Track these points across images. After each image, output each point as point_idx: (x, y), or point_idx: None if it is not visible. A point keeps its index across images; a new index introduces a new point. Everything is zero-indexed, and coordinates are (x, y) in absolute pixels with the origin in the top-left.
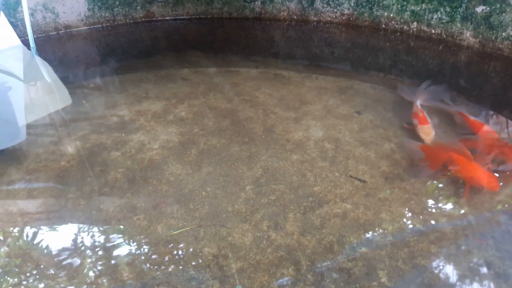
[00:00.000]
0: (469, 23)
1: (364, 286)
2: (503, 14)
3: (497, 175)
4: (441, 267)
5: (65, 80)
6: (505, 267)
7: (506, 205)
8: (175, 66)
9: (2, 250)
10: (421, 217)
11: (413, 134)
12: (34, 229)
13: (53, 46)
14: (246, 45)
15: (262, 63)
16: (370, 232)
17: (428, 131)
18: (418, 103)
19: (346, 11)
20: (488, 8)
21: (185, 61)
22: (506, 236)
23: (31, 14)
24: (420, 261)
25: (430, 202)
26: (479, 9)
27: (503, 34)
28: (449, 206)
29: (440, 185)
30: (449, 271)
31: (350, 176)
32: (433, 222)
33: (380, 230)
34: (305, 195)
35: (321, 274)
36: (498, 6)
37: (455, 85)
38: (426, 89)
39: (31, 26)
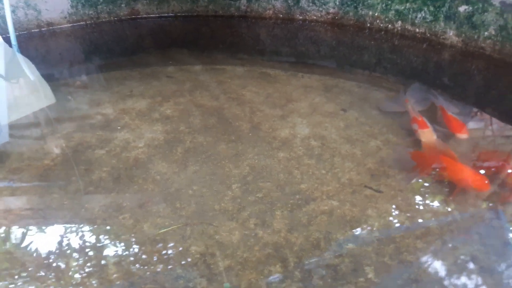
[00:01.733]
0: (452, 22)
1: (351, 282)
2: (485, 13)
3: (484, 174)
4: (427, 262)
5: (48, 78)
6: (490, 262)
7: (491, 203)
8: (161, 63)
9: None
10: (407, 213)
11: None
12: (19, 229)
13: (35, 43)
14: (232, 43)
15: (248, 61)
16: (357, 229)
17: (429, 136)
18: (412, 108)
19: (331, 10)
20: (470, 8)
21: (170, 59)
22: (491, 231)
23: (13, 11)
24: (407, 257)
25: (416, 198)
26: (462, 8)
27: (485, 33)
28: (434, 202)
29: (426, 184)
30: (435, 266)
31: (365, 186)
32: (419, 218)
33: (367, 227)
34: (292, 193)
35: (308, 270)
36: (480, 5)
37: (438, 83)
38: (412, 92)
39: (13, 23)
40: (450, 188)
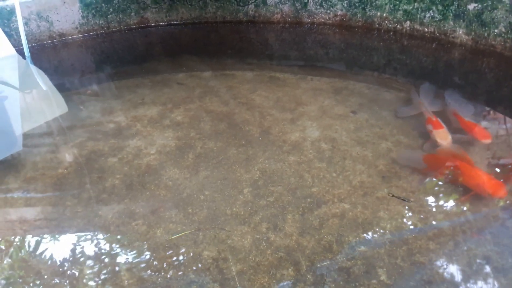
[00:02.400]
0: (461, 20)
1: (364, 284)
2: (495, 11)
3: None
4: (439, 264)
5: (60, 88)
6: (503, 262)
7: (504, 202)
8: (171, 70)
9: (5, 262)
10: (419, 214)
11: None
12: (33, 238)
13: (48, 54)
14: (240, 48)
15: (257, 65)
16: (369, 231)
17: (444, 136)
18: (427, 109)
19: (339, 12)
20: (479, 5)
21: (181, 66)
22: (504, 231)
23: (25, 23)
24: (419, 258)
25: (428, 199)
26: (471, 6)
27: (495, 30)
28: (446, 203)
29: (439, 183)
30: (448, 267)
31: (393, 195)
32: (431, 219)
33: (379, 229)
34: (303, 196)
35: (321, 274)
36: (490, 3)
37: (449, 83)
38: (425, 93)
39: (26, 35)
40: (464, 190)
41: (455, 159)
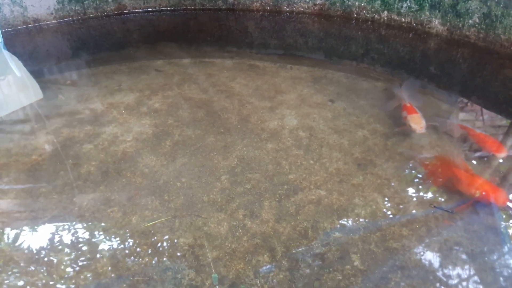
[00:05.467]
0: (437, 11)
1: (338, 270)
2: (469, 1)
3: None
4: (412, 249)
5: (36, 74)
6: (473, 247)
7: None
8: (149, 57)
9: None
10: (393, 201)
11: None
12: (6, 225)
13: (22, 40)
14: (220, 36)
15: (236, 53)
16: (344, 218)
17: (418, 120)
18: (403, 96)
19: (318, 2)
20: None
21: (159, 53)
22: (474, 217)
23: None
24: (392, 244)
25: (402, 186)
26: None
27: (470, 21)
28: (419, 190)
29: (418, 174)
30: (420, 252)
31: (435, 207)
32: (404, 206)
33: (353, 215)
34: (280, 183)
35: (296, 259)
36: None
37: (425, 72)
38: (407, 85)
39: None
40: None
41: (454, 167)
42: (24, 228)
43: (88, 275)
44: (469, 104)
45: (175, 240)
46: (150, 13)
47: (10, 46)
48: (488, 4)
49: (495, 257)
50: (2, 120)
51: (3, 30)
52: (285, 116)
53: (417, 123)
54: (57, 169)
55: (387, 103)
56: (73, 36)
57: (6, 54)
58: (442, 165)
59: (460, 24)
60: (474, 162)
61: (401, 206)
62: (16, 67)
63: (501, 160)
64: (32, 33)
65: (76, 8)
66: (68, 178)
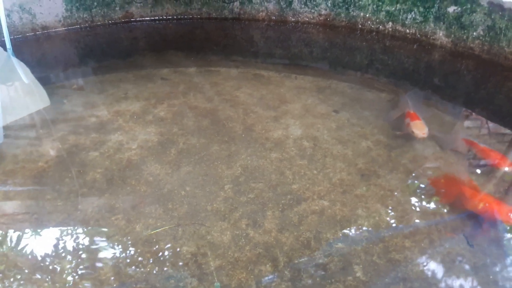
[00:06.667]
0: (441, 23)
1: (340, 280)
2: (474, 14)
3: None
4: (415, 261)
5: (43, 81)
6: (475, 260)
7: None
8: (155, 65)
9: None
10: (396, 212)
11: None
12: (12, 232)
13: (30, 47)
14: (225, 45)
15: (242, 63)
16: (347, 228)
17: (421, 126)
18: (408, 104)
19: (323, 12)
20: (459, 8)
21: (165, 61)
22: (478, 231)
23: (7, 15)
24: (395, 256)
25: (405, 198)
26: (451, 9)
27: (474, 33)
28: (423, 202)
29: (421, 185)
30: (423, 264)
31: (464, 235)
32: (407, 217)
33: (356, 226)
34: (283, 193)
35: (298, 269)
36: (469, 6)
37: (429, 83)
38: (411, 94)
39: (8, 27)
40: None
41: (461, 185)
42: (29, 234)
43: (91, 282)
44: (473, 115)
45: (178, 249)
46: (157, 22)
47: (18, 53)
48: (493, 16)
49: (497, 270)
50: (9, 126)
51: (12, 37)
52: (289, 125)
53: (419, 129)
54: (63, 176)
55: (390, 112)
56: (80, 43)
57: (14, 60)
58: (450, 184)
59: (465, 36)
60: (480, 176)
61: (404, 218)
62: (23, 74)
63: (507, 173)
64: (40, 40)
65: (84, 16)
66: (73, 185)
